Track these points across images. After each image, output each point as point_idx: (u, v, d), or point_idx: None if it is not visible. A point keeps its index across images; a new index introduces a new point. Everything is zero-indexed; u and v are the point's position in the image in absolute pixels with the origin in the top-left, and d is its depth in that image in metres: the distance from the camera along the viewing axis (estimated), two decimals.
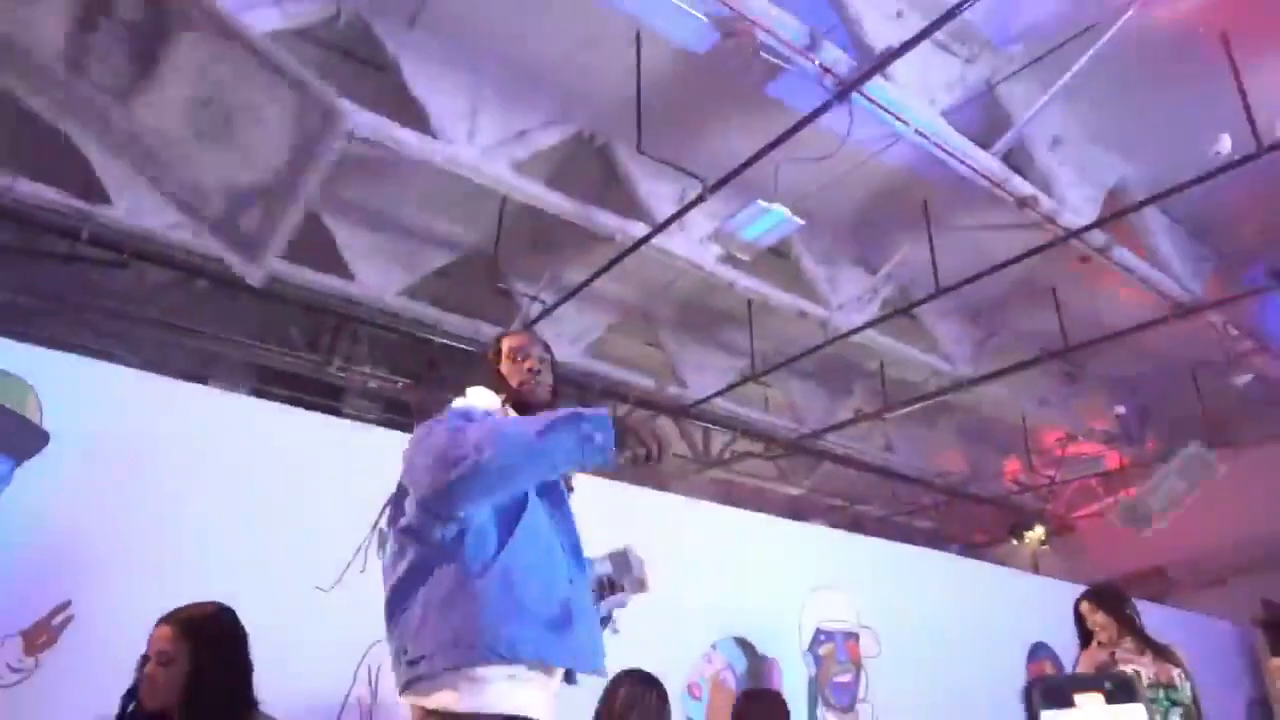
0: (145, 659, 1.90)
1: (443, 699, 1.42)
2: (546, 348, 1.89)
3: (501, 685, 1.43)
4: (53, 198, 3.30)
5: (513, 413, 1.73)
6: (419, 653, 1.46)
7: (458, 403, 1.75)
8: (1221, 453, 6.55)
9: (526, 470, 1.48)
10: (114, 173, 3.35)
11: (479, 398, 1.76)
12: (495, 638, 1.42)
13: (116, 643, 2.14)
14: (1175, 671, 2.76)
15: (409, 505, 1.57)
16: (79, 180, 3.36)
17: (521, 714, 1.44)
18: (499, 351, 1.86)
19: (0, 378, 2.69)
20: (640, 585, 1.66)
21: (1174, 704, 2.70)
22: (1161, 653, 2.82)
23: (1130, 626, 2.87)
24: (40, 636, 2.55)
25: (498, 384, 1.80)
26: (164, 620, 1.91)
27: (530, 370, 1.80)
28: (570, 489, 1.83)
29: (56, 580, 2.61)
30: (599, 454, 1.43)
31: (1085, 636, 2.97)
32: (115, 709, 1.91)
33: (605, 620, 1.80)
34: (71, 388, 2.83)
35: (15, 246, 3.49)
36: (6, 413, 2.67)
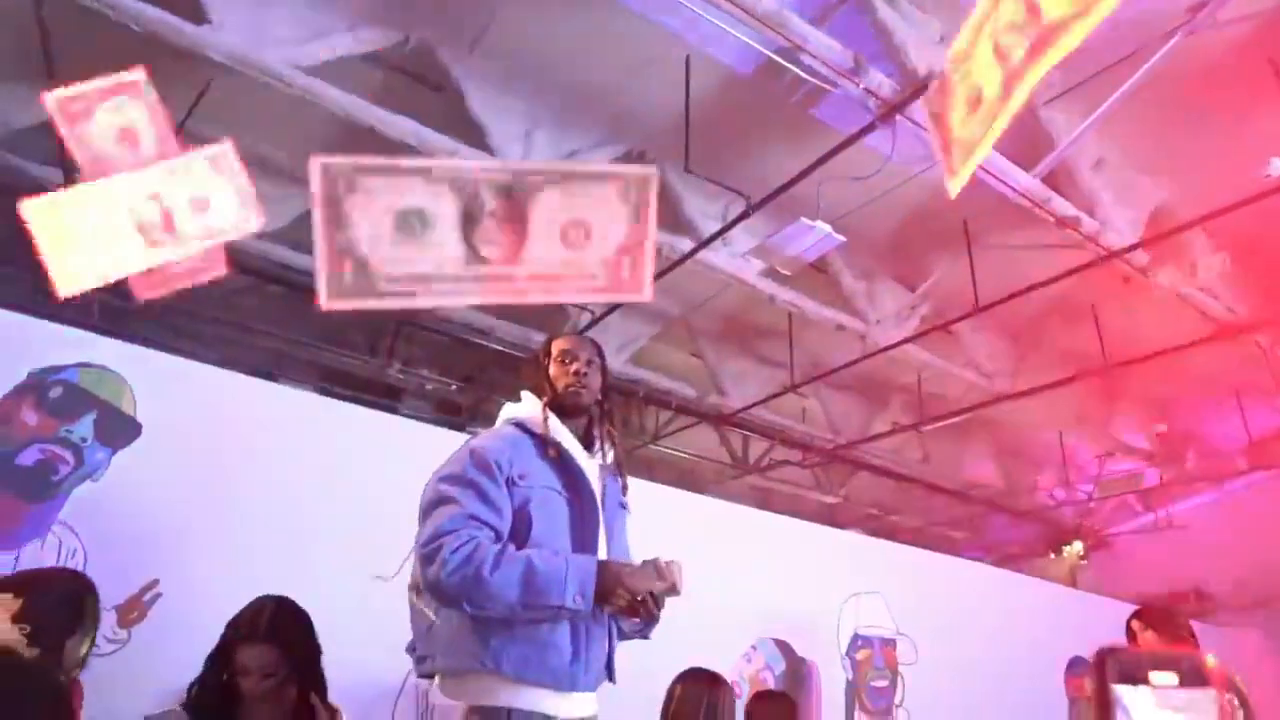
0: (227, 666, 1.97)
1: (449, 692, 1.61)
2: (597, 350, 1.88)
3: (497, 689, 1.56)
4: None
5: (554, 417, 1.77)
6: (425, 652, 1.65)
7: (505, 411, 1.87)
8: (1268, 474, 6.47)
9: (498, 611, 1.54)
10: None
11: (523, 405, 1.83)
12: (484, 650, 1.55)
13: (197, 618, 2.30)
14: (1226, 695, 2.67)
15: None
16: None
17: (522, 709, 1.55)
18: (549, 353, 1.86)
19: (102, 373, 2.91)
20: (672, 590, 1.64)
21: None
22: None
23: (1180, 645, 2.80)
24: (132, 611, 2.72)
25: (543, 386, 1.82)
26: (247, 639, 1.99)
27: (576, 374, 1.80)
28: (624, 491, 1.90)
29: (146, 559, 2.78)
30: (580, 610, 1.56)
31: None
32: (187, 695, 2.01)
33: (640, 631, 1.80)
34: (161, 383, 3.02)
35: None
36: (106, 406, 2.89)
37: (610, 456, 1.87)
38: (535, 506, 1.66)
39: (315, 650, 2.12)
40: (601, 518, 1.78)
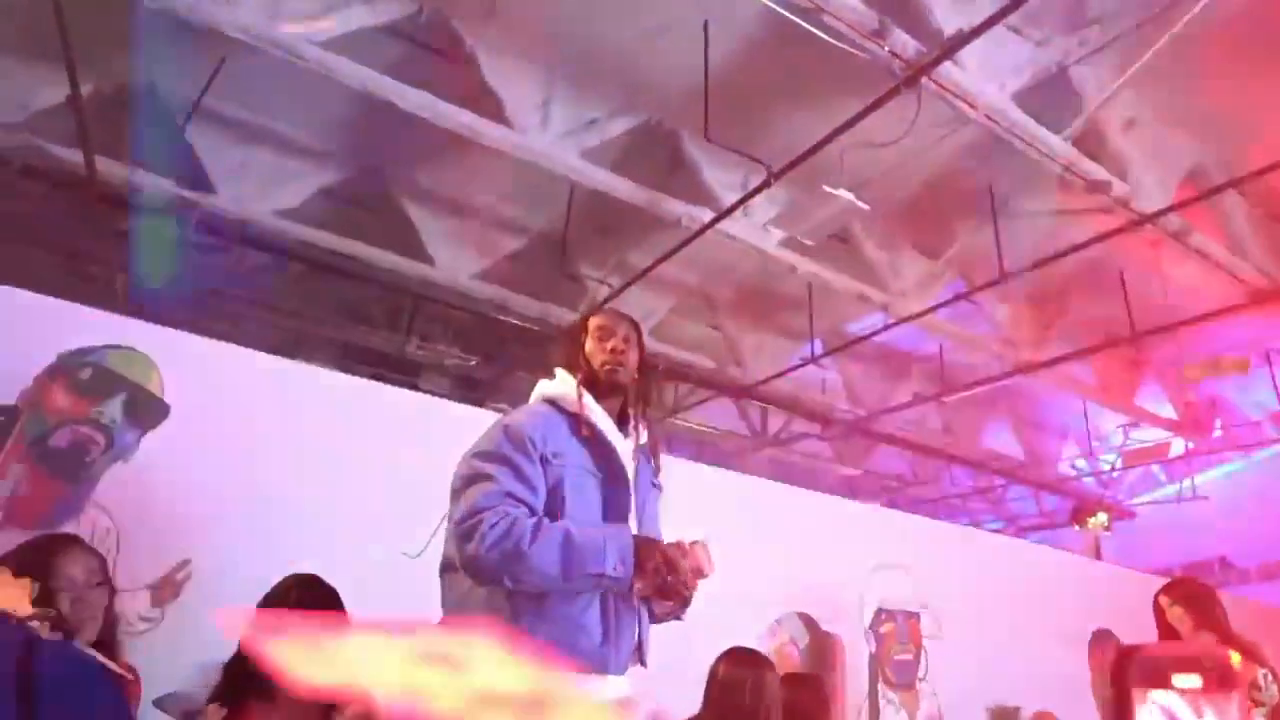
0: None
1: None
2: (634, 326, 1.85)
3: None
4: (168, 188, 3.58)
5: (588, 396, 1.74)
6: None
7: (539, 387, 1.83)
8: None
9: (539, 584, 1.55)
10: (219, 164, 3.60)
11: (557, 382, 1.79)
12: (515, 631, 1.51)
13: (229, 595, 2.34)
14: (1260, 671, 2.47)
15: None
16: (189, 171, 3.62)
17: None
18: (585, 329, 1.82)
19: (130, 355, 2.90)
20: (699, 573, 1.61)
21: (1257, 705, 2.42)
22: (1245, 651, 2.52)
23: (1209, 621, 2.68)
24: (165, 590, 2.77)
25: (577, 362, 1.78)
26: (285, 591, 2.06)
27: (613, 351, 1.76)
28: (657, 472, 1.87)
29: (178, 539, 2.82)
30: (620, 580, 1.55)
31: (1164, 630, 2.82)
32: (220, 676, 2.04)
33: (672, 613, 1.77)
34: (187, 364, 3.02)
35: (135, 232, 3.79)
36: (135, 387, 2.89)
37: (644, 437, 1.84)
38: (569, 487, 1.65)
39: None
40: (633, 499, 1.75)
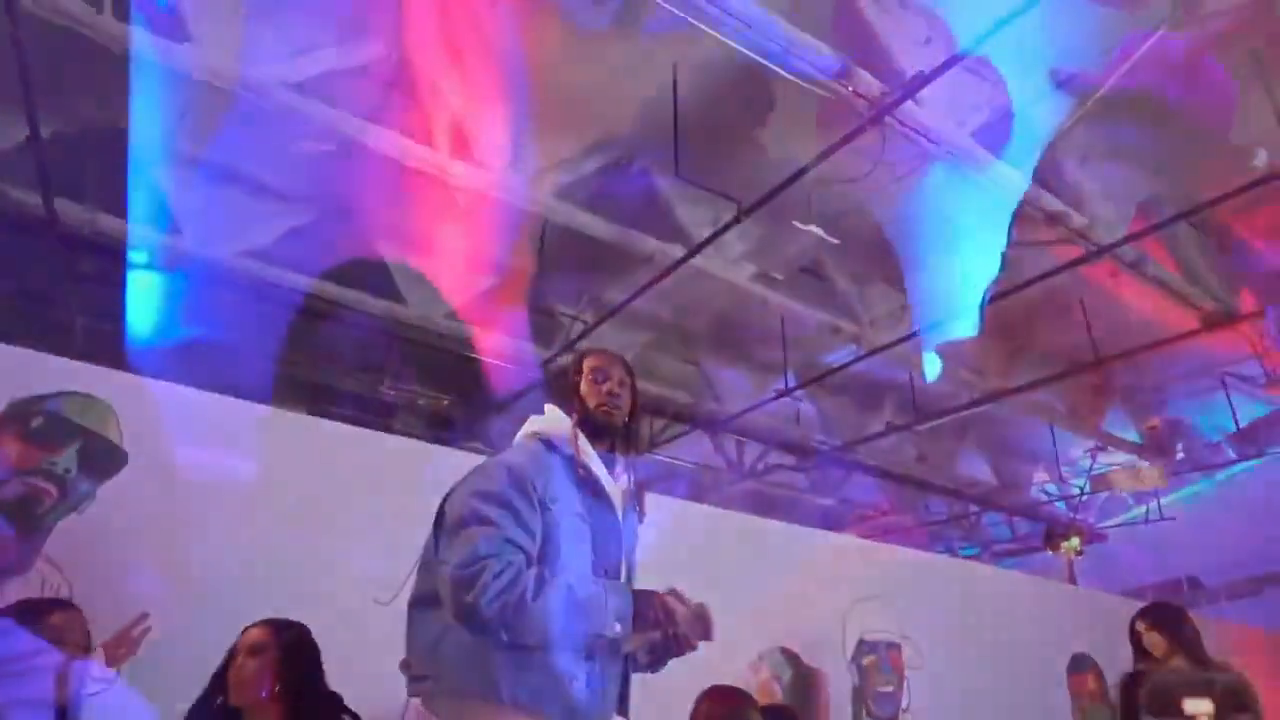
0: (229, 659, 2.06)
1: (445, 716, 1.54)
2: (628, 369, 1.83)
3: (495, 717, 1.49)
4: (132, 230, 3.51)
5: (582, 437, 1.72)
6: (423, 671, 1.56)
7: (530, 424, 1.80)
8: (1256, 461, 6.54)
9: (537, 640, 1.50)
10: (184, 203, 3.55)
11: (550, 420, 1.77)
12: (498, 678, 1.49)
13: (189, 654, 2.23)
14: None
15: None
16: (154, 212, 3.56)
17: None
18: (579, 369, 1.80)
19: (87, 401, 2.82)
20: (707, 636, 1.56)
21: None
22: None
23: (1184, 645, 2.70)
24: (120, 648, 2.65)
25: (572, 402, 1.76)
26: (250, 626, 2.12)
27: (609, 394, 1.74)
28: (641, 518, 1.83)
29: (134, 593, 2.71)
30: (618, 638, 1.52)
31: (1141, 655, 2.83)
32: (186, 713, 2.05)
33: (652, 664, 1.74)
34: (148, 409, 2.93)
35: (95, 275, 3.70)
36: (91, 435, 2.79)
37: (633, 480, 1.81)
38: (564, 534, 1.61)
39: (314, 658, 2.15)
40: (623, 545, 1.73)
